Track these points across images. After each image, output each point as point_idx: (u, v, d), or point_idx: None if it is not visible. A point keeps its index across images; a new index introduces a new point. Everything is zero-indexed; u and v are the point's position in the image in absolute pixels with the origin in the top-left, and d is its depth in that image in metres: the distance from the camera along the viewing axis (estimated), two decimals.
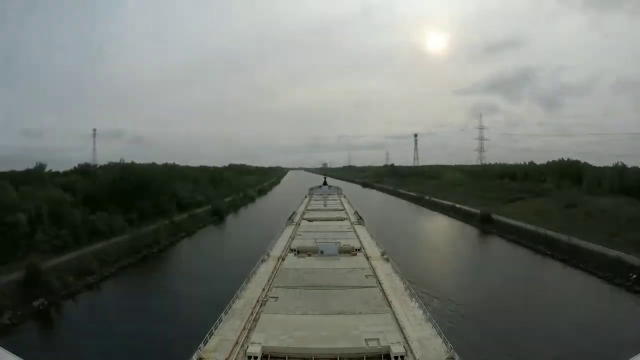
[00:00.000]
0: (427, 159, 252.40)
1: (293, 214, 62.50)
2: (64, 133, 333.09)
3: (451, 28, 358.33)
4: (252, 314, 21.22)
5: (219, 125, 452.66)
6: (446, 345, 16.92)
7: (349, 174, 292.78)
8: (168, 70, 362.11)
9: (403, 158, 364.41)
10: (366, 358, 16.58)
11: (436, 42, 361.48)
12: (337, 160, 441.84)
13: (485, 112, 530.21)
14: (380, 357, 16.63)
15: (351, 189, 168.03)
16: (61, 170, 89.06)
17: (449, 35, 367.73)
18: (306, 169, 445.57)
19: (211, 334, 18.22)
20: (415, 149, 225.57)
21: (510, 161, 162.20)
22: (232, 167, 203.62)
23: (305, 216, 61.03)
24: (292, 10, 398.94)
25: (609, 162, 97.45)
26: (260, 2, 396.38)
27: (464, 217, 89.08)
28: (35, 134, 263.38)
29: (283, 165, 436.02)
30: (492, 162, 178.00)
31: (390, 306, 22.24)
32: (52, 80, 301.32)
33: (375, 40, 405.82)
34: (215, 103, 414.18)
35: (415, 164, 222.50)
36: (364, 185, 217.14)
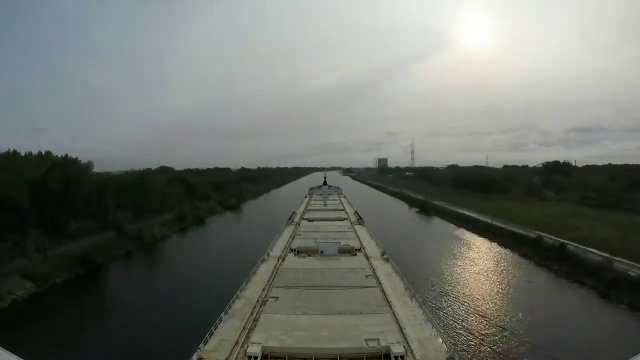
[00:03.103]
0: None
1: (293, 214, 62.31)
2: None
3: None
4: (252, 314, 21.14)
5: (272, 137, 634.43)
6: (446, 345, 16.87)
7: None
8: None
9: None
10: (366, 358, 16.51)
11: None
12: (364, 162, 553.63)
13: None
14: (380, 357, 16.56)
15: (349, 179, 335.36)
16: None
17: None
18: (344, 169, 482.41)
19: (211, 334, 18.11)
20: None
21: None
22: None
23: (305, 216, 60.91)
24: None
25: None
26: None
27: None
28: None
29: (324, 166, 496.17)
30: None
31: (390, 306, 22.15)
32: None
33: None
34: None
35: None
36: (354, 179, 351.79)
